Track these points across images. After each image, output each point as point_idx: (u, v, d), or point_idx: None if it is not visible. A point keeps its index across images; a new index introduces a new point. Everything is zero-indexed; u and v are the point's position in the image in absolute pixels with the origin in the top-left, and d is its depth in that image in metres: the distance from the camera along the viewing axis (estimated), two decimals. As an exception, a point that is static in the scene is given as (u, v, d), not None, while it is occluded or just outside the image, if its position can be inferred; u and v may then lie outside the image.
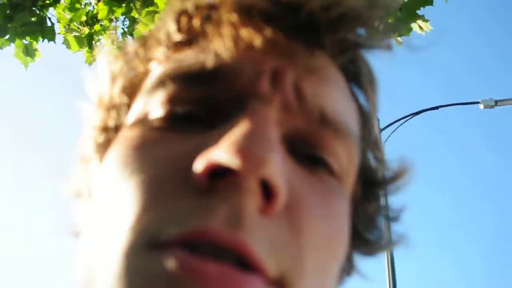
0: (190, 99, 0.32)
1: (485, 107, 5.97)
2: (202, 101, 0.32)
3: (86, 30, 3.54)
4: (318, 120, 0.32)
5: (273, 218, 0.28)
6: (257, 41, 0.32)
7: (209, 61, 0.32)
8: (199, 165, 0.27)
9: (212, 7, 0.35)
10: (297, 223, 0.29)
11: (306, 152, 0.32)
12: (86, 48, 3.53)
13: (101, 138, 0.37)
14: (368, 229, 0.38)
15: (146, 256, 0.26)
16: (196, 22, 0.35)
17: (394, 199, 0.40)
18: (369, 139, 0.38)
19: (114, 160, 0.32)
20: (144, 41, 0.38)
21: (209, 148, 0.28)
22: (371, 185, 0.38)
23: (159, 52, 0.36)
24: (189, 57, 0.34)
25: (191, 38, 0.35)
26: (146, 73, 0.36)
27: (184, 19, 0.36)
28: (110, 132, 0.37)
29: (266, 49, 0.32)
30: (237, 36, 0.32)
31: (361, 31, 0.35)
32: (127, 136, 0.33)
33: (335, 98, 0.34)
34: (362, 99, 0.38)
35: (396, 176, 0.39)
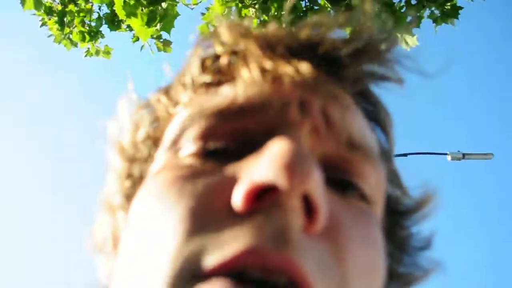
0: (222, 134, 0.33)
1: (452, 159, 6.01)
2: (233, 135, 0.33)
3: (59, 6, 3.65)
4: (347, 144, 0.33)
5: (316, 239, 0.27)
6: (283, 72, 0.33)
7: (239, 95, 0.33)
8: (241, 192, 0.27)
9: (236, 49, 0.36)
10: (339, 244, 0.29)
11: (336, 178, 0.33)
12: (54, 20, 3.60)
13: (127, 185, 0.37)
14: (398, 262, 0.38)
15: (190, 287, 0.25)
16: (223, 61, 0.36)
17: (423, 227, 0.40)
18: (390, 171, 0.38)
19: (149, 197, 0.32)
20: (166, 90, 0.39)
21: (249, 172, 0.28)
22: (397, 215, 0.38)
23: (185, 96, 0.37)
24: (218, 94, 0.34)
25: (216, 80, 0.36)
26: (170, 119, 0.37)
27: (209, 61, 0.37)
28: (135, 180, 0.37)
29: (292, 81, 0.34)
30: (263, 69, 0.34)
31: (376, 63, 0.37)
32: (161, 176, 0.33)
33: (360, 124, 0.35)
34: (379, 132, 0.39)
35: (421, 204, 0.39)
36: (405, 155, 6.34)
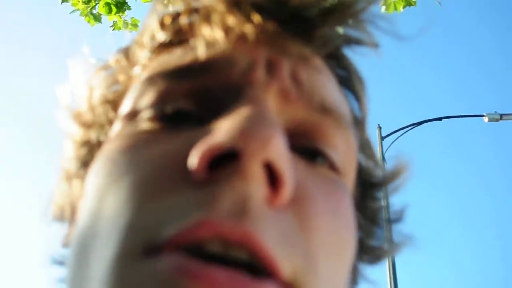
0: (181, 94, 0.30)
1: (489, 120, 5.83)
2: (194, 96, 0.30)
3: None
4: (317, 109, 0.31)
5: (280, 211, 0.25)
6: (248, 30, 0.31)
7: (200, 52, 0.31)
8: (196, 154, 0.25)
9: (198, 6, 0.33)
10: (306, 217, 0.27)
11: (305, 145, 0.31)
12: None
13: (83, 152, 0.36)
14: (369, 235, 0.36)
15: (141, 264, 0.23)
16: (182, 19, 0.33)
17: (395, 200, 0.38)
18: (362, 141, 0.36)
19: (103, 166, 0.30)
20: (126, 51, 0.37)
21: (206, 137, 0.26)
22: (368, 187, 0.37)
23: (143, 56, 0.35)
24: (177, 53, 0.32)
25: (177, 39, 0.34)
26: (129, 81, 0.35)
27: (168, 19, 0.34)
28: (93, 146, 0.35)
29: (258, 39, 0.31)
30: (227, 26, 0.31)
31: (349, 24, 0.34)
32: (115, 142, 0.31)
33: (332, 88, 0.33)
34: (352, 100, 0.37)
35: (393, 176, 0.38)
36: (439, 119, 6.16)
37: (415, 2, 3.08)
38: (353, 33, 0.34)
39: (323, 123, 0.31)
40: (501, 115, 5.83)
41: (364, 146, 0.37)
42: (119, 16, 3.74)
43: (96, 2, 3.62)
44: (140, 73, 0.34)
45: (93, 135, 0.36)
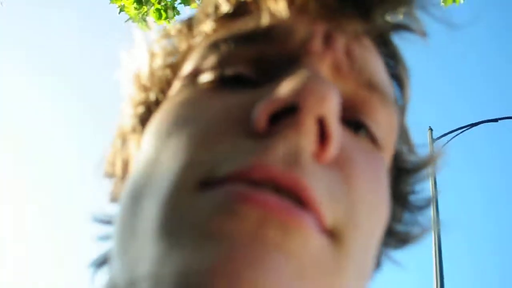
0: (242, 60, 0.32)
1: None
2: (253, 61, 0.32)
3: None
4: (366, 84, 0.32)
5: (326, 167, 0.27)
6: (311, 3, 0.33)
7: (263, 21, 0.33)
8: (260, 107, 0.27)
9: None
10: (349, 177, 0.29)
11: (351, 117, 0.32)
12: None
13: (141, 111, 0.37)
14: (397, 219, 0.37)
15: (196, 195, 0.26)
16: None
17: (425, 187, 0.39)
18: (401, 126, 0.38)
19: (163, 119, 0.31)
20: (189, 21, 0.38)
21: (268, 95, 0.27)
22: (401, 171, 0.38)
23: (207, 26, 0.36)
24: (241, 23, 0.34)
25: (240, 10, 0.35)
26: (190, 49, 0.36)
27: None
28: (151, 105, 0.37)
29: (317, 13, 0.33)
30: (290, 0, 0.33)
31: (403, 10, 0.35)
32: (175, 99, 0.33)
33: (380, 68, 0.34)
34: (395, 87, 0.38)
35: (426, 163, 0.39)
36: (495, 120, 5.91)
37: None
38: (405, 19, 0.36)
39: (370, 98, 0.33)
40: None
41: (402, 132, 0.38)
42: (168, 21, 3.86)
43: (148, 8, 3.73)
44: (202, 41, 0.35)
45: (152, 96, 0.37)
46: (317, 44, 0.32)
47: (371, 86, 0.33)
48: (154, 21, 3.76)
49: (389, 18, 0.35)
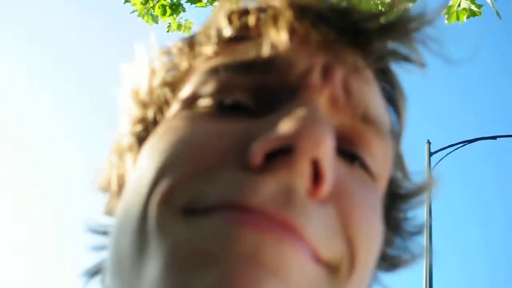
0: (241, 88, 0.32)
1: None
2: (252, 91, 0.32)
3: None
4: (362, 117, 0.33)
5: (321, 203, 0.28)
6: (312, 36, 0.33)
7: (264, 51, 0.33)
8: (257, 145, 0.27)
9: (264, 7, 0.35)
10: (345, 211, 0.29)
11: (346, 149, 0.32)
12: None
13: (139, 129, 0.37)
14: (389, 243, 0.37)
15: (181, 221, 0.26)
16: (251, 17, 0.35)
17: (418, 214, 0.39)
18: (396, 152, 0.38)
19: (159, 140, 0.31)
20: (190, 40, 0.38)
21: (266, 130, 0.28)
22: (395, 197, 0.38)
23: (208, 48, 0.35)
24: (242, 49, 0.34)
25: (242, 35, 0.35)
26: (190, 69, 0.36)
27: (235, 16, 0.36)
28: (148, 124, 0.36)
29: (319, 46, 0.33)
30: (292, 30, 0.33)
31: (402, 41, 0.36)
32: (173, 122, 0.32)
33: (377, 100, 0.35)
34: (392, 113, 0.38)
35: (420, 190, 0.39)
36: (494, 137, 5.92)
37: (480, 12, 2.95)
38: (403, 50, 0.36)
39: (365, 132, 0.33)
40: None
41: (397, 158, 0.38)
42: (174, 18, 3.82)
43: (154, 3, 3.69)
44: (202, 63, 0.35)
45: (150, 114, 0.37)
46: (316, 77, 0.32)
47: (367, 119, 0.33)
48: (159, 17, 3.74)
49: (388, 48, 0.36)
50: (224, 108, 0.32)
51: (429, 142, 5.94)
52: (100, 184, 0.40)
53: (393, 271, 0.39)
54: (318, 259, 0.27)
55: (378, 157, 0.34)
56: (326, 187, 0.28)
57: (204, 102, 0.32)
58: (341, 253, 0.28)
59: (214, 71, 0.33)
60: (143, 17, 3.72)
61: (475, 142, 5.84)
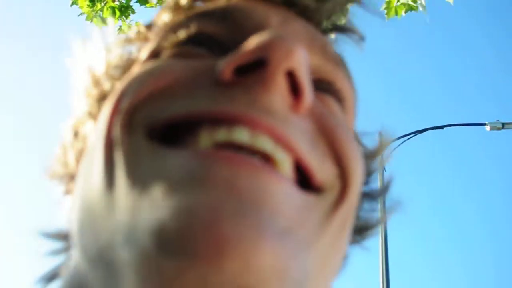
0: (201, 35, 0.33)
1: (491, 129, 5.83)
2: (216, 36, 0.33)
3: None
4: (331, 59, 0.34)
5: (302, 118, 0.27)
6: None
7: (225, 2, 0.34)
8: (225, 61, 0.27)
9: None
10: (328, 129, 0.28)
11: (318, 78, 0.33)
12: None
13: (96, 96, 0.36)
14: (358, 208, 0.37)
15: (151, 151, 0.25)
16: None
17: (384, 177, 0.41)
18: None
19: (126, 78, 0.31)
20: (147, 24, 0.39)
21: (230, 56, 0.27)
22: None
23: (165, 15, 0.36)
24: (199, 7, 0.35)
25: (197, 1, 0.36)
26: (146, 40, 0.37)
27: None
28: (107, 93, 0.36)
29: (276, 1, 0.35)
30: None
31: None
32: (134, 70, 0.33)
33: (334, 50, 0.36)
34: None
35: (377, 150, 0.40)
36: (441, 127, 6.16)
37: (416, 7, 3.10)
38: (345, 24, 0.39)
39: (336, 70, 0.34)
40: (503, 124, 5.82)
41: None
42: (123, 19, 3.81)
43: (102, 5, 3.67)
44: (160, 29, 0.36)
45: (106, 85, 0.36)
46: (275, 21, 0.33)
47: (336, 61, 0.35)
48: (108, 20, 3.72)
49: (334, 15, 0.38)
50: (186, 53, 0.32)
51: (381, 134, 6.13)
52: (55, 172, 0.38)
53: (363, 234, 0.38)
54: (310, 180, 0.26)
55: (348, 91, 0.35)
56: (307, 98, 0.27)
57: (167, 52, 0.32)
58: (333, 174, 0.27)
59: (173, 27, 0.34)
60: (91, 20, 3.71)
61: (425, 132, 6.06)
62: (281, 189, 0.24)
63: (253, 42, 0.26)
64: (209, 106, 0.25)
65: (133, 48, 0.39)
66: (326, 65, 0.34)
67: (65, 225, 0.37)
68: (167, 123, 0.26)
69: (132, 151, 0.26)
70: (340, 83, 0.34)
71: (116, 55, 0.38)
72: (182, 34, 0.33)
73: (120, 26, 3.81)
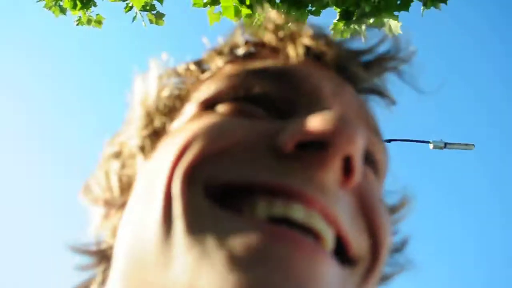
0: (259, 93, 0.34)
1: (434, 147, 6.08)
2: (270, 98, 0.34)
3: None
4: (373, 130, 0.37)
5: (345, 194, 0.29)
6: (328, 53, 0.37)
7: (281, 63, 0.36)
8: (289, 133, 0.28)
9: (281, 26, 0.38)
10: (367, 202, 0.31)
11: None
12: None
13: (149, 132, 0.37)
14: None
15: (211, 212, 0.27)
16: (268, 37, 0.38)
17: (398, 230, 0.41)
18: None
19: (179, 132, 0.32)
20: (197, 61, 0.40)
21: (292, 126, 0.29)
22: None
23: (220, 61, 0.38)
24: (258, 61, 0.36)
25: (256, 53, 0.38)
26: (198, 82, 0.38)
27: (255, 32, 0.39)
28: (157, 129, 0.37)
29: (329, 65, 0.37)
30: (308, 47, 0.37)
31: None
32: (191, 119, 0.34)
33: (375, 120, 0.39)
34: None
35: (399, 207, 0.41)
36: (388, 141, 6.43)
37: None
38: (381, 88, 0.41)
39: (377, 142, 0.37)
40: (446, 144, 6.08)
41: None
42: (84, 11, 3.93)
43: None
44: (214, 74, 0.37)
45: (157, 120, 0.37)
46: (329, 88, 0.35)
47: (376, 131, 0.37)
48: (68, 9, 3.82)
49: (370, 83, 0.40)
50: (244, 110, 0.33)
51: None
52: (97, 196, 0.39)
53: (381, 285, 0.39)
54: (347, 252, 0.28)
55: (384, 163, 0.37)
56: (357, 178, 0.29)
57: (225, 106, 0.33)
58: (366, 246, 0.29)
59: (230, 76, 0.35)
60: (50, 8, 3.81)
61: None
62: (329, 270, 0.26)
63: (318, 120, 0.28)
64: (269, 177, 0.27)
65: (181, 84, 0.39)
66: (370, 136, 0.35)
67: (94, 242, 0.38)
68: (226, 185, 0.28)
69: (192, 208, 0.27)
70: (379, 154, 0.36)
71: (166, 89, 0.39)
72: (241, 91, 0.34)
73: (80, 17, 3.95)
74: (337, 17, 3.21)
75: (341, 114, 0.28)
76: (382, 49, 0.39)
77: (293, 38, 0.37)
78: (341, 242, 0.28)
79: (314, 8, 3.21)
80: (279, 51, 0.37)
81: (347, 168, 0.28)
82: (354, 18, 3.06)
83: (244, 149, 0.28)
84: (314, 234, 0.27)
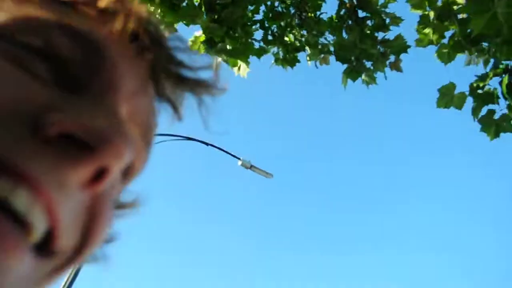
0: (56, 48, 0.31)
1: (241, 165, 6.54)
2: (68, 61, 0.31)
3: None
4: (143, 136, 0.37)
5: (83, 194, 0.28)
6: (151, 50, 0.37)
7: (103, 34, 0.34)
8: (58, 118, 0.26)
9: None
10: (97, 211, 0.30)
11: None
12: None
13: None
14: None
15: None
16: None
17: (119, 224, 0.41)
18: None
19: None
20: None
21: (68, 109, 0.27)
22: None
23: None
24: (73, 17, 0.34)
25: (77, 3, 0.36)
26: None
27: None
28: None
29: (146, 61, 0.37)
30: (137, 34, 0.36)
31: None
32: None
33: (156, 122, 0.39)
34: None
35: (128, 206, 0.41)
36: (206, 143, 6.67)
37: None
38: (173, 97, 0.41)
39: (143, 148, 0.38)
40: (252, 166, 6.62)
41: None
42: None
43: None
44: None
45: None
46: (128, 89, 0.34)
47: (149, 143, 0.38)
48: None
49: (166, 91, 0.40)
50: (27, 60, 0.30)
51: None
52: None
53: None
54: (49, 245, 0.27)
55: (138, 171, 0.38)
56: (101, 190, 0.29)
57: (7, 45, 0.30)
58: (75, 244, 0.29)
59: (29, 19, 0.32)
60: None
61: (191, 141, 6.36)
62: (20, 265, 0.25)
63: (96, 120, 0.27)
64: (16, 156, 0.25)
65: None
66: (140, 150, 0.37)
67: None
68: None
69: None
70: (138, 164, 0.37)
71: None
72: (35, 40, 0.31)
73: None
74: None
75: (121, 123, 0.29)
76: (203, 73, 0.41)
77: (128, 13, 0.36)
78: (50, 235, 0.27)
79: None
80: (106, 19, 0.36)
81: (99, 176, 0.28)
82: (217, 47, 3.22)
83: (6, 113, 0.26)
84: (23, 222, 0.25)
